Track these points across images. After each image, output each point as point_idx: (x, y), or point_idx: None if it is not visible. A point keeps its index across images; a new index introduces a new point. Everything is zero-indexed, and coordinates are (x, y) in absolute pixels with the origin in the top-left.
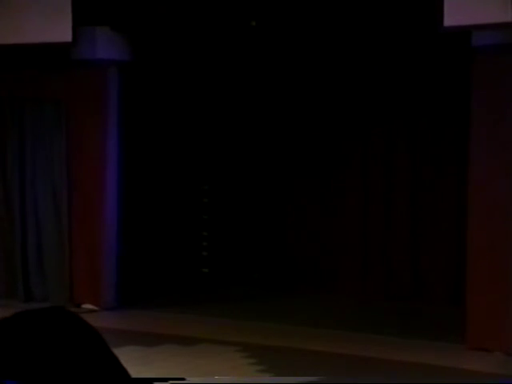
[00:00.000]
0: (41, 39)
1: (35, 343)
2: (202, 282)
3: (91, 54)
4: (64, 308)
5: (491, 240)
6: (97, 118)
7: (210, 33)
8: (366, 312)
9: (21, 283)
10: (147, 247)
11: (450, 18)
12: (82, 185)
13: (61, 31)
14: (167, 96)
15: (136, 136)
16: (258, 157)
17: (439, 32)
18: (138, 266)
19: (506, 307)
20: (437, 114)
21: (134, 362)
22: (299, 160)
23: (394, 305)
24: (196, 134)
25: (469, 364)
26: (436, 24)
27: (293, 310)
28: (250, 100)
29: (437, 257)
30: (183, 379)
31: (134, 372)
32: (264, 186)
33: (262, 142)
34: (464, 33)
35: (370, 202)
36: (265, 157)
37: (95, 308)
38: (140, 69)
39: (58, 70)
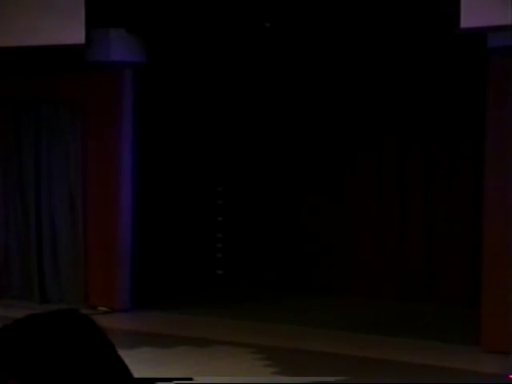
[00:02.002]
0: (54, 41)
1: (45, 345)
2: (216, 284)
3: (105, 55)
4: (76, 310)
5: (506, 242)
6: (112, 120)
7: (225, 34)
8: (380, 314)
9: (36, 285)
10: (161, 249)
11: (466, 20)
12: (97, 186)
13: (74, 33)
14: (182, 97)
15: (151, 137)
16: (273, 159)
17: (455, 34)
18: (153, 267)
19: None
20: (452, 115)
21: (147, 363)
22: (314, 161)
23: (408, 307)
24: (210, 135)
25: (483, 367)
26: (452, 26)
27: (307, 311)
28: (264, 102)
29: (451, 258)
30: (190, 379)
31: (148, 373)
32: (278, 188)
33: (277, 144)
34: (480, 34)
35: (384, 203)
36: (279, 158)
37: (110, 310)
38: (155, 70)
39: (73, 72)
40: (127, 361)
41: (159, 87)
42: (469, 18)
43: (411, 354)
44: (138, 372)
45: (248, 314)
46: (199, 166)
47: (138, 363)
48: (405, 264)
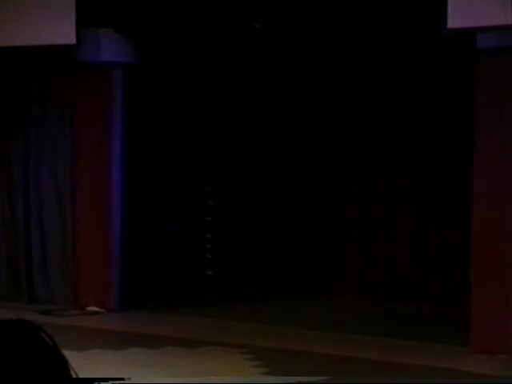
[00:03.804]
0: (45, 41)
1: None
2: (206, 285)
3: (95, 56)
4: (27, 321)
5: (495, 242)
6: (101, 120)
7: (214, 35)
8: (369, 314)
9: (25, 285)
10: (151, 249)
11: (454, 20)
12: (87, 186)
13: (64, 33)
14: (171, 98)
15: (140, 138)
16: (262, 159)
17: (444, 34)
18: (142, 267)
19: (509, 310)
20: (441, 116)
21: (137, 364)
22: (302, 162)
23: (398, 307)
24: (200, 135)
25: (473, 367)
26: (440, 26)
27: (296, 311)
28: (253, 102)
29: (441, 258)
30: (122, 379)
31: (138, 374)
32: (268, 189)
33: (266, 144)
34: (468, 35)
35: (373, 204)
36: (268, 159)
37: (99, 310)
38: (144, 71)
39: (63, 72)
40: (116, 362)
41: (149, 87)
42: (456, 19)
43: (400, 355)
44: (126, 372)
45: (237, 314)
46: (188, 167)
47: (127, 364)
48: (394, 264)
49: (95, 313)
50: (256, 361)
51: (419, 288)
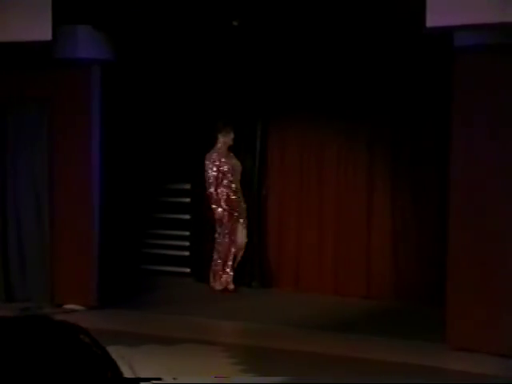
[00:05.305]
0: (20, 37)
1: (10, 352)
2: (183, 282)
3: (72, 52)
4: (48, 317)
5: (471, 240)
6: (79, 117)
7: (192, 32)
8: (345, 311)
9: (2, 283)
10: (129, 246)
11: (433, 19)
12: (65, 184)
13: (41, 30)
14: (150, 95)
15: (118, 135)
16: (240, 156)
17: (422, 33)
18: (120, 265)
19: (485, 307)
20: (418, 115)
21: (117, 362)
22: (277, 156)
23: (374, 304)
24: (178, 132)
25: (450, 364)
26: (419, 25)
27: (273, 309)
28: (231, 100)
29: (417, 255)
30: (159, 379)
31: None
32: (244, 185)
33: (242, 142)
34: (446, 33)
35: (350, 201)
36: (244, 155)
37: (77, 308)
38: (123, 68)
39: (40, 69)
40: None
41: (127, 84)
42: (435, 17)
43: (377, 352)
44: None
45: (216, 312)
46: (166, 164)
47: None
48: (370, 261)
49: (73, 310)
50: (235, 358)
51: (396, 285)
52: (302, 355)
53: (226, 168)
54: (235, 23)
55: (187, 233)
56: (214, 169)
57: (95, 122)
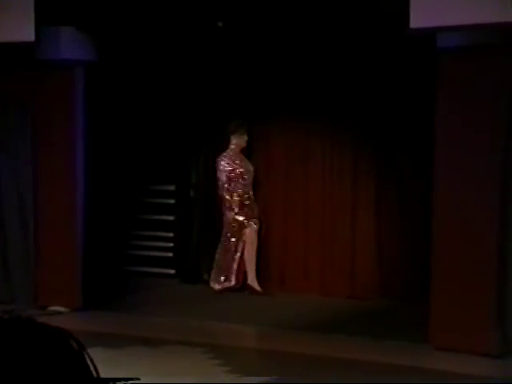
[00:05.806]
0: (3, 38)
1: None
2: (168, 283)
3: (56, 54)
4: (32, 320)
5: (456, 240)
6: (63, 118)
7: (177, 33)
8: (329, 311)
9: None
10: (113, 247)
11: (416, 20)
12: (49, 187)
13: (23, 30)
14: (133, 96)
15: (102, 136)
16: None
17: (405, 34)
18: (104, 266)
19: (469, 307)
20: (403, 115)
21: (101, 363)
22: (263, 157)
23: (358, 304)
24: (162, 134)
25: (434, 363)
26: (403, 26)
27: (258, 310)
28: (216, 101)
29: (401, 255)
30: (138, 379)
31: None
32: None
33: (228, 142)
34: (429, 34)
35: (335, 201)
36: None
37: (61, 309)
38: (106, 69)
39: (23, 70)
40: None
41: (110, 86)
42: (418, 18)
43: (362, 353)
44: None
45: (200, 313)
46: (151, 165)
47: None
48: (355, 261)
49: (57, 312)
50: (219, 359)
51: (381, 285)
52: (287, 356)
53: (238, 171)
54: (220, 24)
55: (171, 234)
56: (226, 172)
57: (79, 123)
